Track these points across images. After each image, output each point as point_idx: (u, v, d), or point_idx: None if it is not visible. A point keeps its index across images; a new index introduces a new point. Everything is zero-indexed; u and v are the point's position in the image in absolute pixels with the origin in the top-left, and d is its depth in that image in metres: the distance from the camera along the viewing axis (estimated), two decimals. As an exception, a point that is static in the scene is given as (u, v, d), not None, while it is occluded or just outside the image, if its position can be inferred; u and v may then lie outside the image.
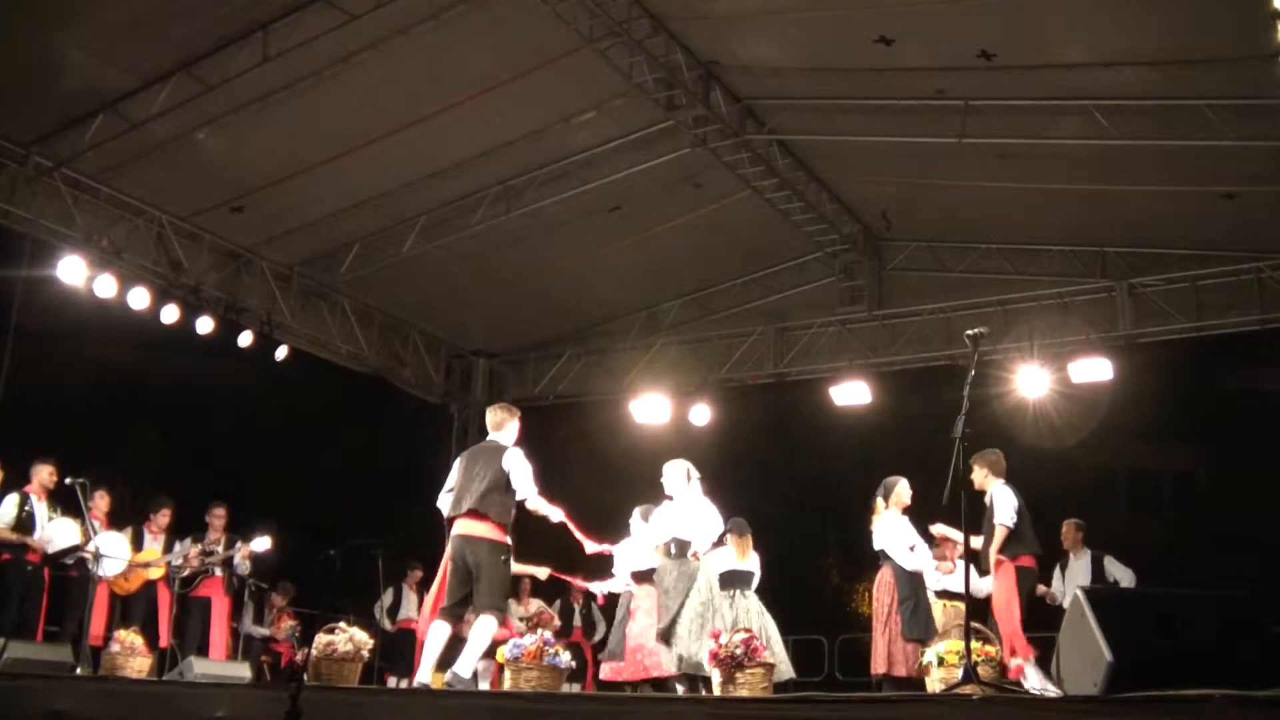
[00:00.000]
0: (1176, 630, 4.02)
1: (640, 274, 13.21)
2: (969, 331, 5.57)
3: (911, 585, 7.57)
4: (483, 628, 6.33)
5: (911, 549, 7.69)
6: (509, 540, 6.58)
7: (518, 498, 6.63)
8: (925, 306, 12.62)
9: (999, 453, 7.92)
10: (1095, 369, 11.37)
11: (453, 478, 6.81)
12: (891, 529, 7.66)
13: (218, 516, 9.88)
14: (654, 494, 8.06)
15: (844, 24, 9.00)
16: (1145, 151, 9.63)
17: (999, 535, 7.60)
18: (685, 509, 7.36)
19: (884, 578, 7.61)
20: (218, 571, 9.72)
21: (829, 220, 12.02)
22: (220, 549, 9.74)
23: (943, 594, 8.42)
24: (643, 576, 8.04)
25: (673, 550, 7.27)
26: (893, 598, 7.47)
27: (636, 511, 8.23)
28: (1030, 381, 11.56)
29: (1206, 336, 11.51)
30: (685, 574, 7.19)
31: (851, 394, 12.59)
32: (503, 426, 6.96)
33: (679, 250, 12.74)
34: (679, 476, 7.46)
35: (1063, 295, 11.97)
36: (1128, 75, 8.90)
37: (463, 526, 6.58)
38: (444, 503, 6.80)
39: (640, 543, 8.03)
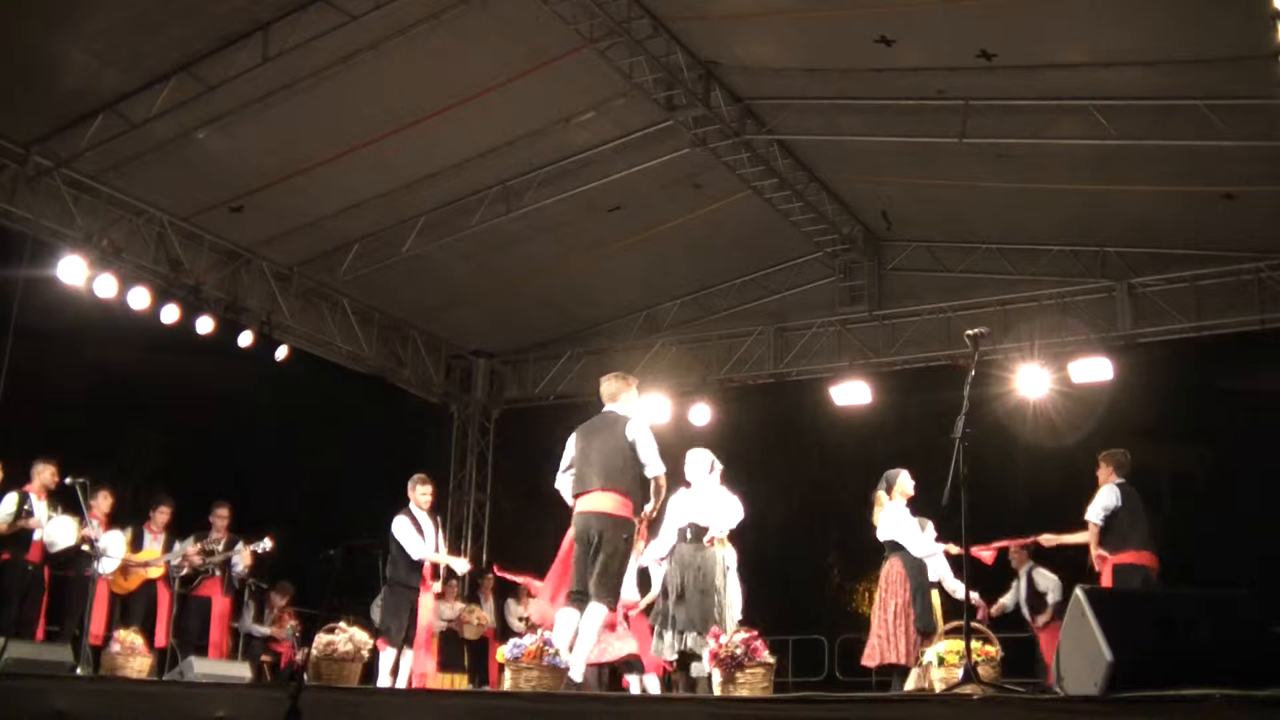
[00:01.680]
0: (1177, 630, 4.01)
1: (640, 274, 13.21)
2: (969, 331, 5.56)
3: (921, 576, 7.61)
4: (592, 617, 6.03)
5: None
6: (635, 519, 6.29)
7: (648, 473, 6.33)
8: (925, 306, 12.63)
9: (1126, 453, 8.04)
10: (1095, 369, 11.39)
11: (569, 456, 6.53)
12: (901, 519, 7.69)
13: (221, 516, 9.89)
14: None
15: (844, 24, 9.01)
16: (1145, 151, 9.63)
17: (1090, 532, 7.72)
18: (704, 496, 7.36)
19: (893, 569, 7.61)
20: (218, 571, 9.72)
21: (829, 220, 12.02)
22: (221, 548, 9.74)
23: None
24: None
25: (689, 535, 7.24)
26: (905, 589, 7.48)
27: None
28: (1030, 381, 11.57)
29: (1206, 336, 11.52)
30: (704, 559, 7.18)
31: (852, 394, 12.60)
32: (618, 396, 6.61)
33: (679, 250, 12.74)
34: (702, 465, 7.44)
35: (1063, 295, 11.98)
36: (1128, 75, 8.90)
37: (587, 503, 6.28)
38: (563, 484, 6.56)
39: None
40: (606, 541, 6.16)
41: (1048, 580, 9.65)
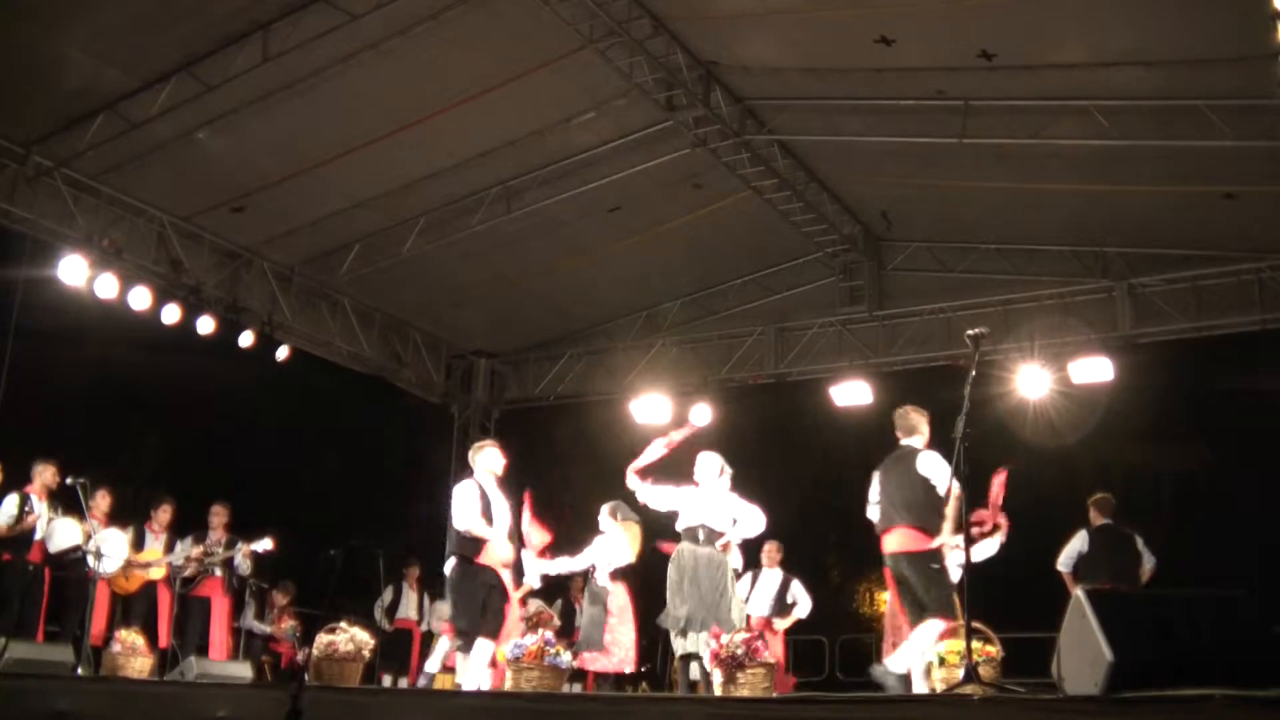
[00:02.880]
0: (1177, 630, 4.02)
1: (640, 274, 13.21)
2: (969, 332, 5.57)
3: None
4: (927, 630, 6.32)
5: None
6: (933, 545, 6.57)
7: (940, 491, 6.56)
8: (925, 307, 12.62)
9: (1108, 497, 8.85)
10: (1095, 369, 11.38)
11: (874, 490, 6.83)
12: None
13: (218, 515, 9.88)
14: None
15: (844, 24, 9.00)
16: (1145, 151, 9.63)
17: (1066, 580, 8.53)
18: (713, 500, 7.40)
19: None
20: (218, 571, 9.72)
21: (829, 220, 12.02)
22: (221, 549, 9.73)
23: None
24: (619, 574, 8.13)
25: (700, 537, 7.28)
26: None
27: (605, 509, 8.30)
28: (1031, 382, 11.56)
29: (1206, 336, 11.52)
30: (718, 562, 7.24)
31: (852, 394, 12.59)
32: (914, 431, 6.89)
33: (679, 250, 12.74)
34: (712, 468, 7.48)
35: (1063, 295, 11.98)
36: (1128, 75, 8.90)
37: (890, 542, 6.67)
38: (873, 514, 6.87)
39: (615, 541, 8.13)
40: (916, 579, 6.52)
41: (802, 595, 10.34)
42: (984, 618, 6.03)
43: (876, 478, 6.84)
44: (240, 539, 9.81)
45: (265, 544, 9.77)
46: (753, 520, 7.43)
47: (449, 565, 6.97)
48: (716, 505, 7.37)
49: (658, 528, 7.96)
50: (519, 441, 15.24)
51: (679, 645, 7.16)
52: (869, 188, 11.85)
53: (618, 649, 8.11)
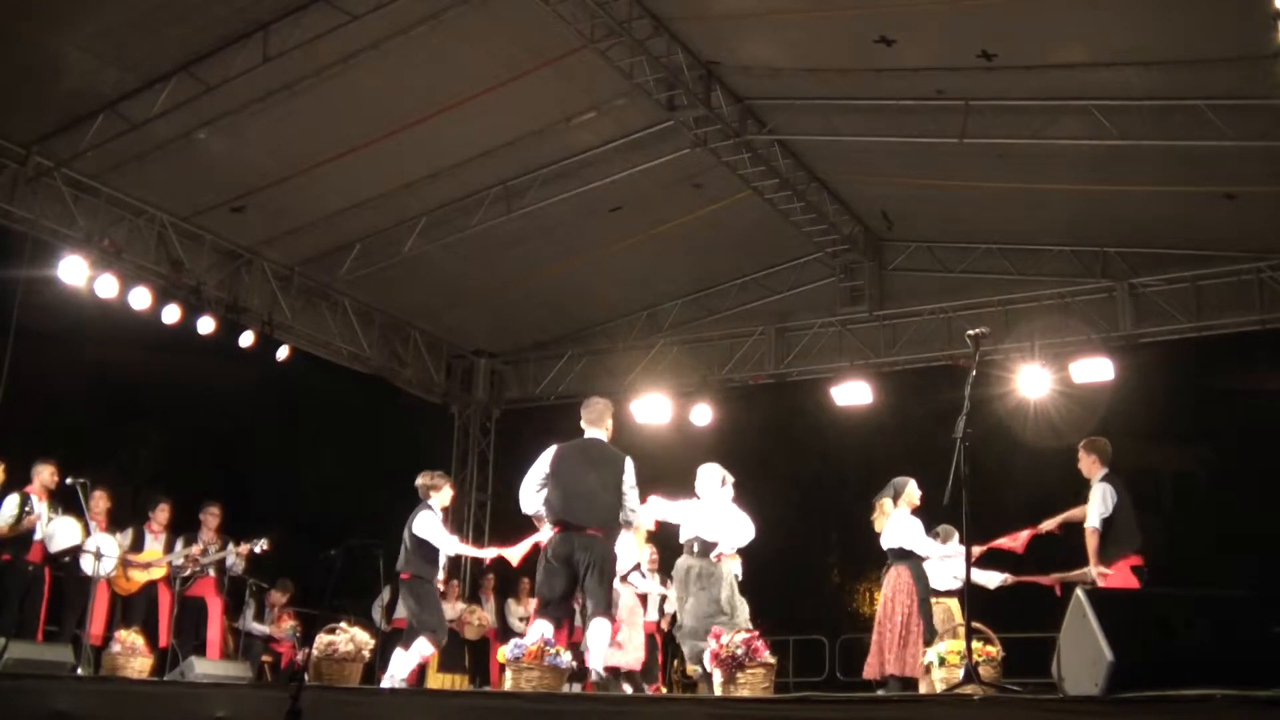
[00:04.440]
0: (1177, 630, 4.01)
1: (640, 274, 13.21)
2: (970, 331, 5.56)
3: (927, 587, 7.61)
4: None
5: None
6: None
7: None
8: (926, 307, 12.62)
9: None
10: (1096, 369, 11.38)
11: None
12: (909, 527, 7.67)
13: (212, 515, 9.88)
14: (654, 493, 8.08)
15: (844, 24, 9.01)
16: (1145, 151, 9.63)
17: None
18: (713, 511, 7.44)
19: (900, 578, 7.58)
20: (211, 572, 9.72)
21: (829, 220, 12.01)
22: (214, 550, 9.72)
23: (943, 593, 8.43)
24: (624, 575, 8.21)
25: (695, 549, 7.34)
26: (912, 600, 7.46)
27: None
28: (1031, 381, 11.56)
29: (1207, 336, 11.52)
30: (710, 574, 7.28)
31: (852, 394, 12.59)
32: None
33: (679, 250, 12.74)
34: (713, 480, 7.54)
35: (1063, 295, 11.97)
36: (1128, 75, 8.91)
37: None
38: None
39: (622, 542, 8.17)
40: None
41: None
42: (985, 618, 6.04)
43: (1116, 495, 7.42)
44: (232, 539, 9.81)
45: (262, 544, 9.76)
46: (741, 529, 7.44)
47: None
48: (711, 517, 7.40)
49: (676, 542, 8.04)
50: (520, 441, 15.30)
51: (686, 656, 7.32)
52: (869, 188, 11.85)
53: (631, 647, 8.17)
